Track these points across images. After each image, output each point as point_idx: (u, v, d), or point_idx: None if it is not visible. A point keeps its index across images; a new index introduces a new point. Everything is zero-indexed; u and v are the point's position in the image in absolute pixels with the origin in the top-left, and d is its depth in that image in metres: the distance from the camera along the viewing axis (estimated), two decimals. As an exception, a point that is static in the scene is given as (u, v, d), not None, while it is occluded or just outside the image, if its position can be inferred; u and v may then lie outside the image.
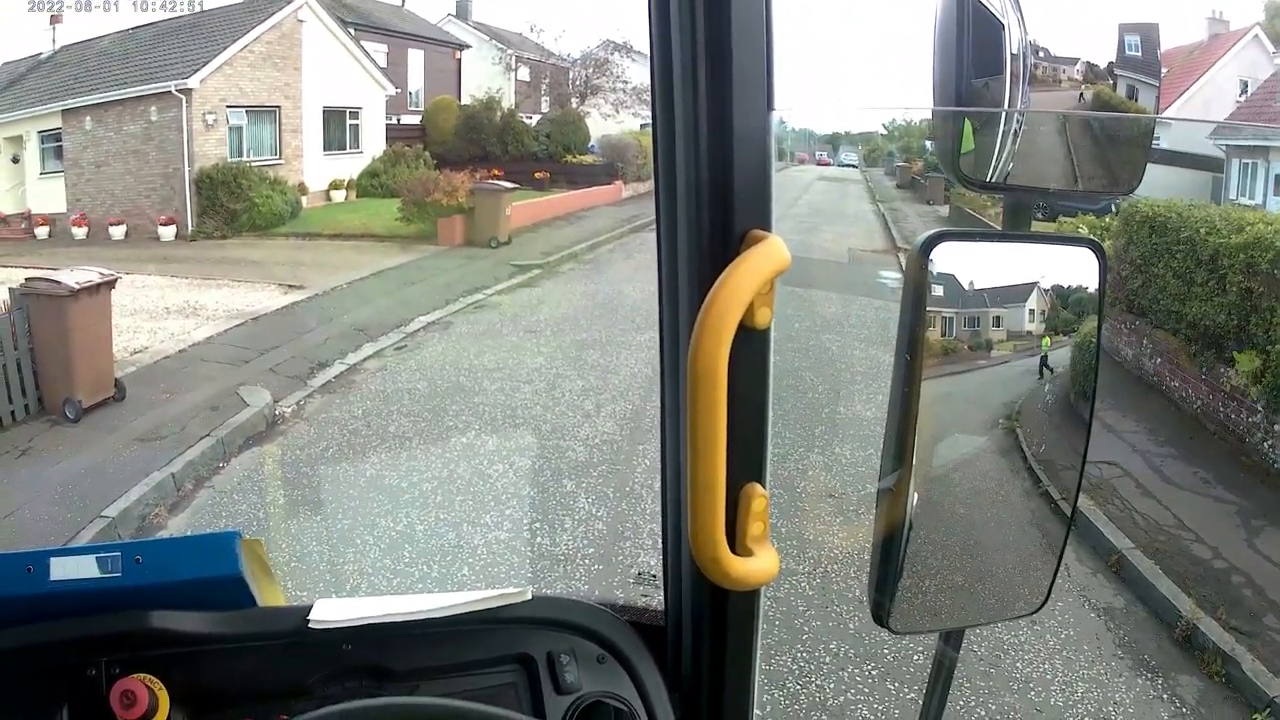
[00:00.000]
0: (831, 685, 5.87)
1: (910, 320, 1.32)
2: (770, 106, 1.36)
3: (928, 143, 30.71)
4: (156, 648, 1.67)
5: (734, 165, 1.35)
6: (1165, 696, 6.35)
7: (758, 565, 1.38)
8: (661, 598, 1.82)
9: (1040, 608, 1.55)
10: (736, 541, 1.38)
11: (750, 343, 1.33)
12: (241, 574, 1.70)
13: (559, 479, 8.98)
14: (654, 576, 6.74)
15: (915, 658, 6.07)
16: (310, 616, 1.72)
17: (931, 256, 1.32)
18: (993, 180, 1.48)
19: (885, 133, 34.59)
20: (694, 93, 1.36)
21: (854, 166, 35.53)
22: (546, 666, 1.75)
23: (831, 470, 9.03)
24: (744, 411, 1.35)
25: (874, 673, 5.98)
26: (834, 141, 36.72)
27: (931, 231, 1.35)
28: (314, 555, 7.61)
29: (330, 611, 1.73)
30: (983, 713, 5.84)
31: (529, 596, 1.78)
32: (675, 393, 1.57)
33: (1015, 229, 1.55)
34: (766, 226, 1.37)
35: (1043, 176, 1.50)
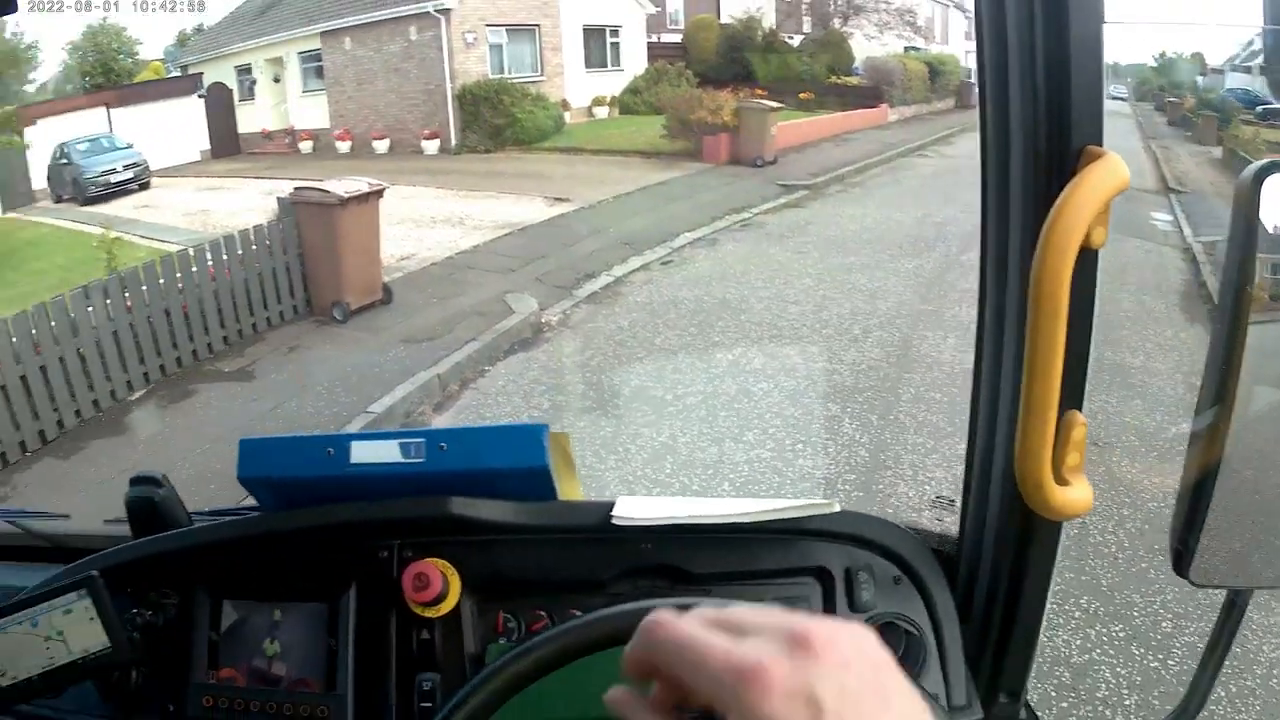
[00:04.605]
0: (1078, 642, 5.39)
1: (1238, 255, 1.23)
2: (1102, 17, 1.27)
3: (1199, 78, 29.26)
4: (453, 534, 1.71)
5: (1071, 78, 1.28)
6: None
7: (1076, 495, 1.34)
8: (956, 524, 1.75)
9: None
10: (1055, 470, 1.34)
11: (1085, 264, 1.27)
12: (547, 466, 1.68)
13: (824, 402, 8.63)
14: (951, 501, 6.51)
15: (1163, 625, 5.53)
16: (614, 512, 1.70)
17: (1263, 188, 1.22)
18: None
19: (1155, 65, 33.17)
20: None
21: (1123, 99, 33.86)
22: (844, 582, 1.72)
23: (1095, 419, 8.32)
24: (1074, 335, 1.30)
25: (1121, 634, 5.45)
26: (1102, 71, 35.37)
27: (1265, 160, 1.25)
28: (575, 461, 7.40)
29: (634, 509, 1.71)
30: (1221, 692, 5.12)
31: (837, 509, 1.71)
32: (999, 315, 1.49)
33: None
34: (1100, 143, 1.28)
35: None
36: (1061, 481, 1.34)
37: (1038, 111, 1.31)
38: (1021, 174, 1.37)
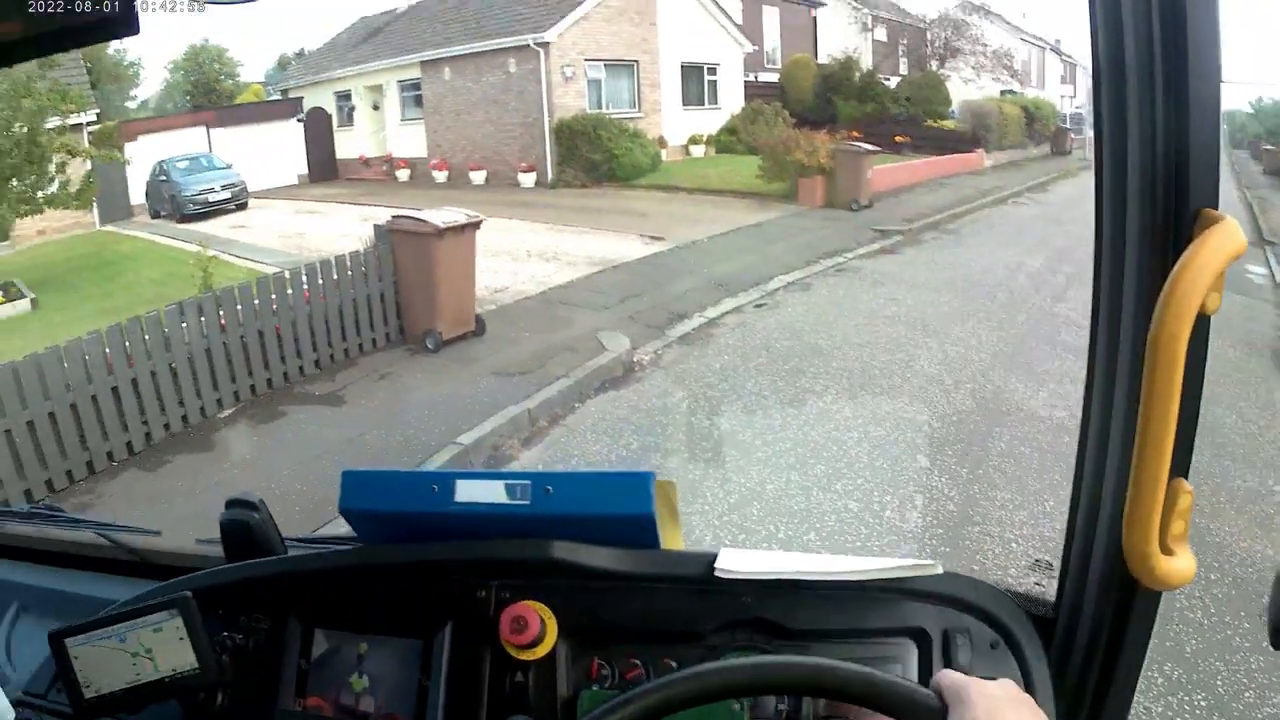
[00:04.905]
0: (1160, 709, 5.23)
1: None
2: (1220, 78, 1.28)
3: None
4: (552, 577, 1.71)
5: (1189, 140, 1.28)
6: None
7: (1180, 565, 1.35)
8: (1054, 589, 1.73)
9: None
10: (1161, 538, 1.35)
11: (1198, 329, 1.27)
12: (653, 514, 1.67)
13: (913, 453, 8.50)
14: (1050, 564, 6.39)
15: (1246, 695, 5.37)
16: (717, 564, 1.69)
17: None
18: None
19: (1252, 112, 32.67)
20: (1150, 59, 1.30)
21: (1217, 146, 33.72)
22: (941, 644, 1.68)
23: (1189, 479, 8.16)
24: (1186, 402, 1.29)
25: (1203, 703, 5.30)
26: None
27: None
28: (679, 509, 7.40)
29: (737, 561, 1.70)
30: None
31: (939, 570, 1.70)
32: (1109, 379, 1.49)
33: None
34: (1216, 205, 1.30)
35: None
36: (1166, 551, 1.34)
37: (1155, 175, 1.32)
38: (1138, 237, 1.38)
